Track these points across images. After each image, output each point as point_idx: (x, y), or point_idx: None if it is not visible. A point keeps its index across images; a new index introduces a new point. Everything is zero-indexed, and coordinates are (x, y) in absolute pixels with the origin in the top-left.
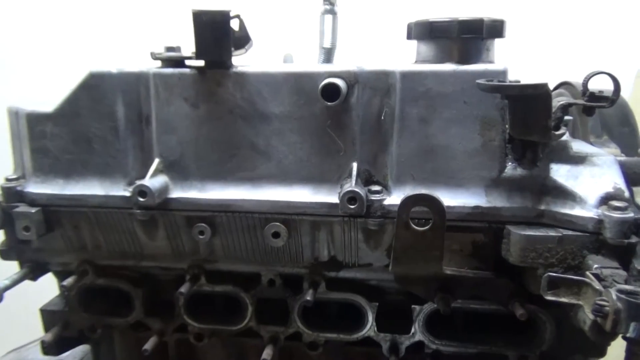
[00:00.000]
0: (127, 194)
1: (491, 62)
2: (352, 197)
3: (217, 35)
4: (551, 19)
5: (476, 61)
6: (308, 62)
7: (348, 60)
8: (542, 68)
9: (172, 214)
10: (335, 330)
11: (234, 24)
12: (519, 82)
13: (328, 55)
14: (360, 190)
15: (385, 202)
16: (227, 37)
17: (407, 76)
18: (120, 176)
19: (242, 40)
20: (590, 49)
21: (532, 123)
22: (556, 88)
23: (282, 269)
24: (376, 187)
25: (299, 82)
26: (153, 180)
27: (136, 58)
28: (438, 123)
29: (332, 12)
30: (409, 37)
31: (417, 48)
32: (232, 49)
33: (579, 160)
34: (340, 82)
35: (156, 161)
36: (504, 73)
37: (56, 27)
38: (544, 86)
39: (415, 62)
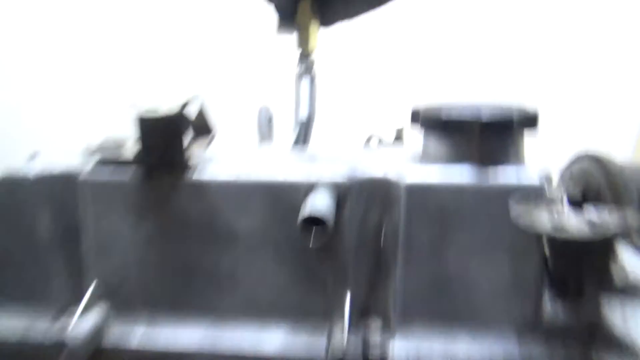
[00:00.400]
0: (52, 334)
1: (521, 162)
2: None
3: (165, 139)
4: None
5: (503, 161)
6: (284, 165)
7: (334, 162)
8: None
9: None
10: None
11: (193, 109)
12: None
13: (305, 129)
14: (355, 341)
15: (388, 349)
16: (178, 139)
17: (414, 190)
18: (46, 305)
19: (202, 130)
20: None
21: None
22: (575, 162)
23: None
24: (375, 324)
25: (272, 195)
26: (85, 319)
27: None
28: (454, 248)
29: (309, 75)
30: (413, 121)
31: (424, 140)
32: (190, 139)
33: (636, 290)
34: (324, 208)
35: (91, 287)
36: (541, 189)
37: None
38: (607, 237)
39: (422, 158)
